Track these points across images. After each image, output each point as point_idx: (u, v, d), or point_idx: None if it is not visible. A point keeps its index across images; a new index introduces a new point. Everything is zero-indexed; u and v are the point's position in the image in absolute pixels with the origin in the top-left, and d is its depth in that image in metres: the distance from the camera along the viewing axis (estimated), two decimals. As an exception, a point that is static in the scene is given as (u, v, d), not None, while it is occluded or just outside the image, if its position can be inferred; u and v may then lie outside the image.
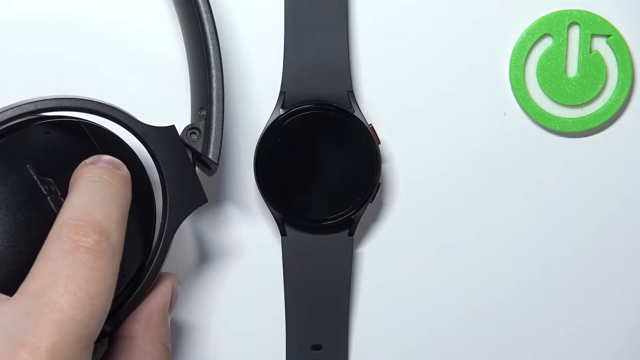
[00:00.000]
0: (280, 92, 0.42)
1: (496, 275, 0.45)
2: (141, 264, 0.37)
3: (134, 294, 0.36)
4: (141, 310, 0.36)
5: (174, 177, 0.37)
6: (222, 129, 0.38)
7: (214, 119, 0.38)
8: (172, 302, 0.38)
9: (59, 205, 0.34)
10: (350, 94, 0.42)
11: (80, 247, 0.32)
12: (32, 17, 0.43)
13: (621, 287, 0.46)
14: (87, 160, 0.35)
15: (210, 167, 0.39)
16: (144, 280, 0.37)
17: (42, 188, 0.34)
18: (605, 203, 0.45)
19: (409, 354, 0.45)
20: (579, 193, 0.45)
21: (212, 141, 0.38)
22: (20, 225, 0.33)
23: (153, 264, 0.37)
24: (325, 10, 0.42)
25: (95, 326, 0.31)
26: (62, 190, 0.34)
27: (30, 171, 0.34)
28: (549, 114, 0.44)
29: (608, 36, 0.44)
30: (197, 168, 0.39)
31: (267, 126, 0.42)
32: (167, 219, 0.37)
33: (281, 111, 0.42)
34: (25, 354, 0.29)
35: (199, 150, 0.38)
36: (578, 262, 0.46)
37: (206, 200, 0.38)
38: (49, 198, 0.34)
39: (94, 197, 0.33)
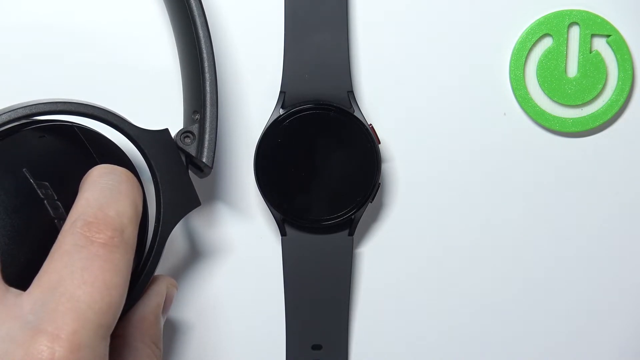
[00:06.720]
0: (280, 92, 0.42)
1: (496, 275, 0.45)
2: (135, 267, 0.37)
3: (128, 297, 0.36)
4: (133, 311, 0.37)
5: (167, 180, 0.37)
6: (216, 132, 0.38)
7: (207, 123, 0.38)
8: (167, 304, 0.38)
9: (56, 208, 0.34)
10: (350, 94, 0.42)
11: (94, 242, 0.32)
12: (27, 22, 0.43)
13: (621, 287, 0.46)
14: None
15: (203, 170, 0.39)
16: (138, 283, 0.37)
17: (39, 192, 0.34)
18: (605, 203, 0.45)
19: (409, 354, 0.45)
20: (579, 193, 0.45)
21: (206, 145, 0.38)
22: (18, 229, 0.33)
23: (147, 267, 0.37)
24: (325, 10, 0.42)
25: (112, 317, 0.31)
26: (59, 195, 0.34)
27: (27, 175, 0.34)
28: (549, 114, 0.44)
29: (608, 36, 0.44)
30: (190, 171, 0.39)
31: (267, 126, 0.42)
32: (160, 222, 0.37)
33: (281, 111, 0.42)
34: (46, 341, 0.29)
35: (193, 154, 0.38)
36: (578, 262, 0.46)
37: (199, 204, 0.38)
38: (45, 202, 0.34)
39: (107, 192, 0.34)
